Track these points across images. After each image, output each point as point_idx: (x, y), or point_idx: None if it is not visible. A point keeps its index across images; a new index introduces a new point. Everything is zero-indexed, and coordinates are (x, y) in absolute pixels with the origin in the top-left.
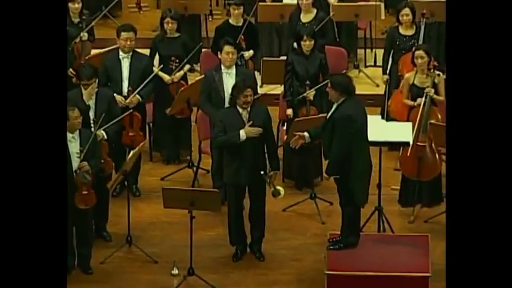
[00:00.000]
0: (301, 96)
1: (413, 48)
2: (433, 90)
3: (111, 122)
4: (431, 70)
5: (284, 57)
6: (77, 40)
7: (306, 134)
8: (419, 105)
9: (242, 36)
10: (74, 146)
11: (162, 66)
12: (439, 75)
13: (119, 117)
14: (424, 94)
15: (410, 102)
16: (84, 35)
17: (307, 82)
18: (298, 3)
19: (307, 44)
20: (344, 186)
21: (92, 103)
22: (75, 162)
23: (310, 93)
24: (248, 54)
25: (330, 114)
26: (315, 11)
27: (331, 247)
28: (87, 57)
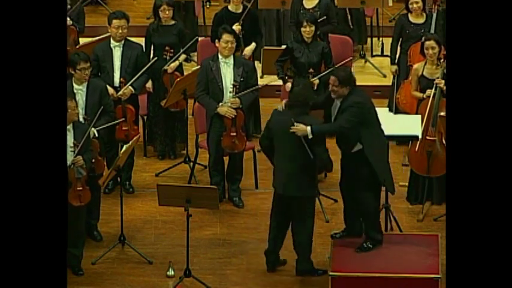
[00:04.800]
0: None
1: (423, 38)
2: (443, 82)
3: (105, 125)
4: (442, 60)
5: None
6: None
7: (308, 128)
8: (428, 97)
9: (240, 27)
10: (68, 138)
11: (156, 58)
12: None
13: (112, 123)
14: (434, 85)
15: (419, 94)
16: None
17: (311, 70)
18: None
19: (307, 31)
20: (371, 175)
21: (82, 94)
22: (69, 156)
23: (314, 82)
24: (246, 51)
25: (336, 111)
26: None
27: (359, 250)
28: (77, 47)
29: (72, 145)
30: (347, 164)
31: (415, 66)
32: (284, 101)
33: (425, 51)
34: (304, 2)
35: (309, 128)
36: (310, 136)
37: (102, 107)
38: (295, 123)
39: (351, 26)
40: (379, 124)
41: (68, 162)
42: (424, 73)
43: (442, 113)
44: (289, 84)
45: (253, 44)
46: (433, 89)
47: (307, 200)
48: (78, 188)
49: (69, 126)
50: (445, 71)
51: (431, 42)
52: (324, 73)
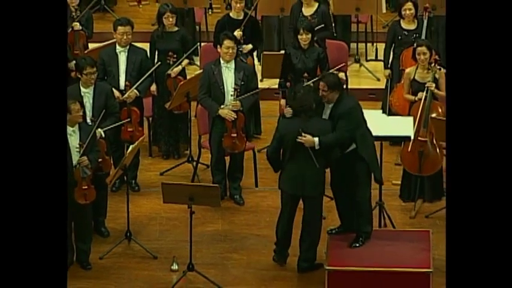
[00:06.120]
0: None
1: (415, 44)
2: (434, 85)
3: (110, 126)
4: (433, 64)
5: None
6: (69, 30)
7: (316, 140)
8: (420, 99)
9: (241, 33)
10: (73, 139)
11: (160, 63)
12: (439, 69)
13: (118, 123)
14: (425, 88)
15: (411, 97)
16: (76, 25)
17: (305, 74)
18: None
19: (303, 38)
20: (362, 168)
21: (89, 97)
22: (75, 156)
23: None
24: (244, 50)
25: (328, 114)
26: (316, 4)
27: (355, 245)
28: (86, 51)
29: (78, 146)
30: (340, 164)
31: (407, 70)
32: (288, 108)
33: (417, 56)
34: (303, 9)
35: (316, 139)
36: (317, 147)
37: (105, 110)
38: (302, 134)
39: (334, 34)
40: (366, 122)
41: (74, 162)
42: (415, 77)
43: (433, 115)
44: (283, 101)
45: (250, 46)
46: (425, 92)
47: (321, 199)
48: (83, 187)
49: (75, 128)
50: (435, 75)
51: (423, 48)
52: (316, 78)
